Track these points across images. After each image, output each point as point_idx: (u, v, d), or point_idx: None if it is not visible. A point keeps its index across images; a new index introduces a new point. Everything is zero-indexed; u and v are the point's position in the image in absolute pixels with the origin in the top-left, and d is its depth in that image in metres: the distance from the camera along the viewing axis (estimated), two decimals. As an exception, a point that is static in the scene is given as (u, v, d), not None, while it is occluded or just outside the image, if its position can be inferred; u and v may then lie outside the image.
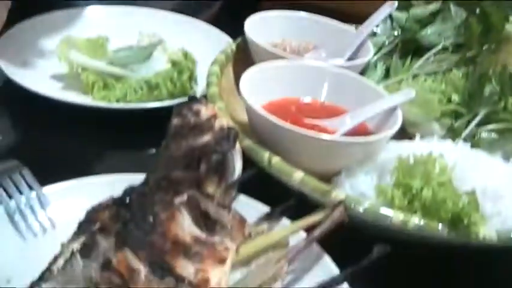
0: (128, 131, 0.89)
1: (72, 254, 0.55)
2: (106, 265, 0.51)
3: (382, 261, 0.61)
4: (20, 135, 0.90)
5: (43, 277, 0.56)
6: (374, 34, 1.06)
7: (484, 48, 1.02)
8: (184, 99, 0.79)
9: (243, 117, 0.83)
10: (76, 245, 0.57)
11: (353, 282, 0.61)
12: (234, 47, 0.98)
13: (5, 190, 0.69)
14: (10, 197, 0.68)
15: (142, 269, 0.53)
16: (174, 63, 0.95)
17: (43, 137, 0.89)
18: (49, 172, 0.72)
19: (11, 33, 1.02)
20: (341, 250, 0.63)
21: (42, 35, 1.04)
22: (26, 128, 0.92)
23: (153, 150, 0.86)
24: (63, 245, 0.60)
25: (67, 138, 0.89)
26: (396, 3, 1.04)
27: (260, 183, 0.72)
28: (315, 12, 1.07)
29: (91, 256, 0.54)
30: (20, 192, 0.69)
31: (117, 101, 0.91)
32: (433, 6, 1.06)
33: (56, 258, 0.58)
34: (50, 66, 0.98)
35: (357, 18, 1.06)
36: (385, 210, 0.67)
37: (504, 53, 1.03)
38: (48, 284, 0.53)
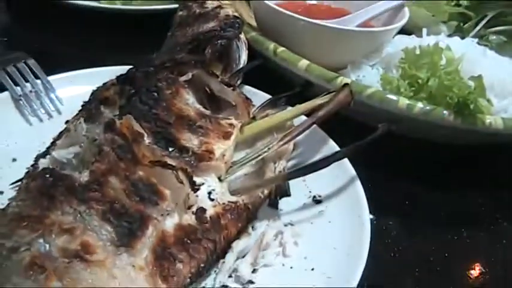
0: (131, 32, 0.88)
1: (75, 123, 0.55)
2: (109, 126, 0.51)
3: (384, 142, 0.61)
4: (27, 31, 0.90)
5: (47, 151, 0.57)
6: None
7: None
8: None
9: (250, 20, 0.82)
10: (79, 120, 0.57)
11: (354, 161, 0.61)
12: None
13: (10, 78, 0.69)
14: (16, 84, 0.69)
15: (145, 136, 0.53)
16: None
17: (49, 36, 0.90)
18: (56, 65, 0.73)
19: None
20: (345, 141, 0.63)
21: None
22: (33, 25, 0.92)
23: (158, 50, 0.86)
24: (67, 122, 0.60)
25: (72, 37, 0.89)
26: None
27: (266, 75, 0.72)
28: None
29: (95, 122, 0.54)
30: (26, 80, 0.69)
31: (123, 4, 0.90)
32: None
33: (60, 134, 0.59)
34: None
35: None
36: (390, 96, 0.67)
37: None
38: (53, 153, 0.53)
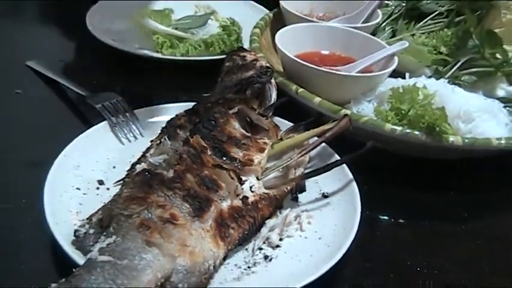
0: (189, 77, 1.15)
1: (161, 141, 0.83)
2: (186, 141, 0.78)
3: (373, 155, 0.87)
4: (112, 77, 1.17)
5: (140, 159, 0.84)
6: (387, 5, 1.32)
7: (475, 14, 1.27)
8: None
9: (278, 67, 1.09)
10: (161, 139, 0.84)
11: (351, 166, 0.88)
12: (271, 15, 1.25)
13: (107, 111, 0.97)
14: (112, 115, 0.97)
15: (208, 149, 0.80)
16: (224, 28, 1.21)
17: (129, 81, 1.16)
18: (136, 102, 1.00)
19: (96, 7, 1.31)
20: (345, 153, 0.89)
21: (120, 7, 1.31)
22: (116, 72, 1.18)
23: (208, 90, 1.12)
24: (151, 141, 0.88)
25: (145, 81, 1.16)
26: (399, -23, 1.29)
27: (290, 109, 0.99)
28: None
29: (175, 140, 0.81)
30: (118, 112, 0.97)
31: (182, 55, 1.17)
32: (432, -20, 1.31)
33: (148, 149, 0.86)
34: (128, 31, 1.24)
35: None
36: (380, 122, 0.93)
37: (491, 17, 1.27)
38: (148, 159, 0.81)
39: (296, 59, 1.01)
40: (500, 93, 1.13)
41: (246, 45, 1.18)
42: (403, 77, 1.09)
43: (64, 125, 1.03)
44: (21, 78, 1.15)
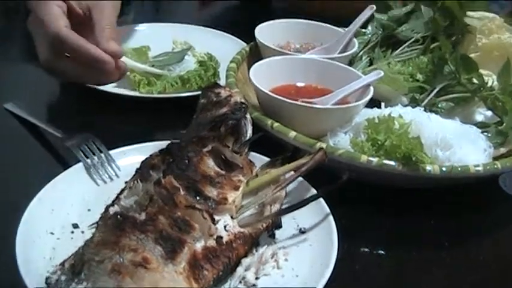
0: (167, 114, 1.15)
1: (133, 182, 0.82)
2: (158, 182, 0.77)
3: (350, 186, 0.86)
4: (89, 117, 1.16)
5: (114, 201, 0.83)
6: (364, 34, 1.32)
7: (449, 39, 1.28)
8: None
9: (254, 100, 1.09)
10: (135, 181, 0.84)
11: (327, 200, 0.87)
12: (247, 49, 1.25)
13: (83, 153, 0.97)
14: (87, 157, 0.96)
15: (181, 189, 0.79)
16: (201, 64, 1.21)
17: (106, 120, 1.16)
18: (112, 142, 1.00)
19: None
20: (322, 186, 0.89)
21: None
22: (93, 112, 1.18)
23: (186, 127, 1.12)
24: (126, 183, 0.87)
25: (122, 120, 1.16)
26: (375, 7, 1.29)
27: (265, 144, 0.98)
28: (314, 16, 1.35)
29: (147, 181, 0.81)
30: (93, 154, 0.97)
31: (159, 93, 1.17)
32: (407, 8, 1.32)
33: (122, 191, 0.85)
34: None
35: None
36: (355, 154, 0.93)
37: (466, 42, 1.28)
38: (121, 202, 0.80)
39: (270, 93, 1.01)
40: (479, 117, 1.14)
41: (223, 80, 1.18)
42: (380, 106, 1.09)
43: (40, 167, 1.02)
44: (-2, 121, 1.15)
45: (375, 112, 1.02)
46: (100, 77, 1.11)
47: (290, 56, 1.15)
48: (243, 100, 0.99)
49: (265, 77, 1.08)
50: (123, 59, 1.18)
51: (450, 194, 1.01)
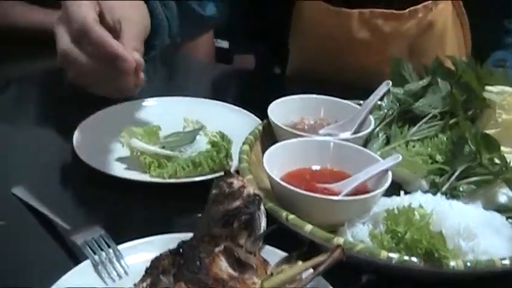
0: (179, 198, 1.12)
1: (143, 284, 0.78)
2: (168, 292, 0.74)
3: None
4: (98, 204, 1.13)
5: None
6: (379, 107, 1.29)
7: (468, 114, 1.25)
8: (221, 173, 1.04)
9: (268, 185, 1.05)
10: (144, 284, 0.80)
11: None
12: (260, 127, 1.22)
13: (90, 248, 0.93)
14: (94, 253, 0.93)
15: (193, 297, 0.75)
16: (213, 144, 1.18)
17: (115, 208, 1.12)
18: (121, 233, 0.97)
19: (83, 125, 1.29)
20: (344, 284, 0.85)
21: (107, 125, 1.29)
22: (102, 197, 1.15)
23: (199, 214, 1.08)
24: (135, 285, 0.83)
25: (133, 207, 1.13)
26: (390, 82, 1.26)
27: (280, 236, 0.94)
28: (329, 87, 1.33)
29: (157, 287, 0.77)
30: (101, 249, 0.93)
31: (170, 176, 1.14)
32: (423, 82, 1.29)
33: (130, 294, 0.82)
34: (115, 151, 1.22)
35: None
36: (375, 250, 0.89)
37: (485, 117, 1.25)
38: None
39: (284, 184, 0.98)
40: (502, 199, 1.09)
41: (236, 160, 1.14)
42: (398, 188, 1.05)
43: (46, 262, 0.99)
44: (6, 208, 1.12)
45: (394, 202, 0.99)
46: (115, 81, 1.10)
47: (305, 139, 1.12)
48: (256, 191, 0.95)
49: (279, 162, 1.05)
50: (133, 141, 1.16)
51: (474, 284, 0.97)
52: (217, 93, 1.50)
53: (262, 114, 1.27)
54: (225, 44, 2.82)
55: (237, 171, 1.07)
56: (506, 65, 1.77)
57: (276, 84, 1.72)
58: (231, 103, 1.42)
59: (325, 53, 1.66)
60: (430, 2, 1.61)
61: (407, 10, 1.60)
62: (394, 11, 1.60)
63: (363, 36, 1.62)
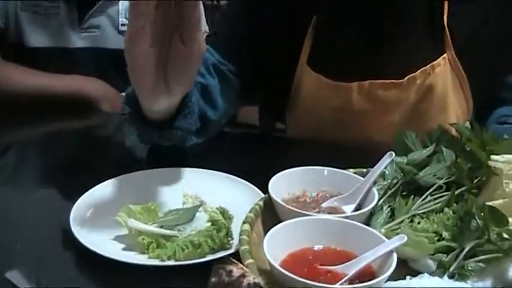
0: (178, 282, 1.08)
1: None
2: None
3: None
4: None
5: None
6: (383, 177, 1.26)
7: (474, 183, 1.21)
8: (222, 253, 1.02)
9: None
10: None
11: None
12: (261, 203, 1.19)
13: None
14: None
15: None
16: (213, 223, 1.15)
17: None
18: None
19: (81, 201, 1.26)
20: None
21: (105, 201, 1.27)
22: (99, 284, 1.11)
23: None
24: None
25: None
26: (393, 154, 1.24)
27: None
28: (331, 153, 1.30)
29: None
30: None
31: (169, 258, 1.11)
32: (427, 150, 1.26)
33: None
34: (113, 229, 1.19)
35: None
36: None
37: (492, 186, 1.21)
38: None
39: (285, 272, 0.94)
40: (512, 275, 1.05)
41: (237, 236, 1.11)
42: (404, 264, 1.02)
43: None
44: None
45: (400, 285, 0.95)
46: None
47: (307, 218, 1.08)
48: (257, 280, 0.92)
49: (280, 243, 1.02)
50: (131, 221, 1.14)
51: None
52: (218, 162, 1.47)
53: (264, 182, 1.23)
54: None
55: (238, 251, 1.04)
56: (509, 120, 1.76)
57: (280, 148, 1.69)
58: (232, 173, 1.39)
59: (324, 125, 1.66)
60: (428, 66, 1.60)
61: (405, 78, 1.59)
62: (393, 81, 1.59)
63: (363, 107, 1.62)
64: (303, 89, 1.64)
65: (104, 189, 1.31)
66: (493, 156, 1.20)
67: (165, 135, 1.42)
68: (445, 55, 1.62)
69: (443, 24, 1.60)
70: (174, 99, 1.34)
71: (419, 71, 1.60)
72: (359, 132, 1.62)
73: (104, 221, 1.21)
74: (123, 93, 1.94)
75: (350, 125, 1.63)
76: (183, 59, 1.22)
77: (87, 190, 1.30)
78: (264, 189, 1.23)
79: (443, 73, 1.61)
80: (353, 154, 1.43)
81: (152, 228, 1.15)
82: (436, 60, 1.61)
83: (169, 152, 1.47)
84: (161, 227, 1.16)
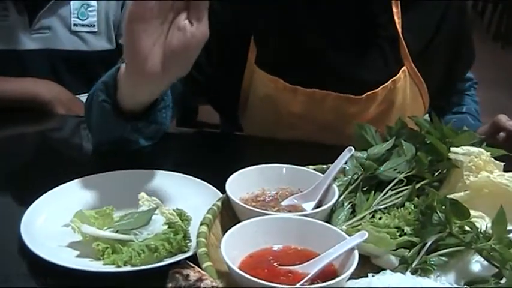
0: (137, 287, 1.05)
1: None
2: None
3: None
4: None
5: None
6: (343, 172, 1.24)
7: (435, 176, 1.20)
8: (180, 257, 0.99)
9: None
10: None
11: None
12: (219, 203, 1.16)
13: None
14: None
15: None
16: (170, 225, 1.11)
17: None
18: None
19: (32, 208, 1.21)
20: None
21: (58, 207, 1.22)
22: None
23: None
24: None
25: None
26: (353, 149, 1.22)
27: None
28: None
29: None
30: None
31: (125, 263, 1.06)
32: (387, 144, 1.24)
33: None
34: (67, 236, 1.14)
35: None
36: None
37: (453, 178, 1.20)
38: None
39: (243, 274, 0.91)
40: (475, 267, 1.04)
41: (195, 239, 1.07)
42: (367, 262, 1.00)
43: None
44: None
45: (361, 283, 0.93)
46: None
47: (266, 217, 1.06)
48: (215, 283, 0.89)
49: (239, 244, 1.00)
50: (85, 226, 1.10)
51: None
52: (175, 162, 1.43)
53: (223, 182, 1.20)
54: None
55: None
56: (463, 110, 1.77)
57: (238, 146, 1.66)
58: (189, 173, 1.35)
59: (281, 127, 1.63)
60: (389, 82, 1.58)
61: (364, 95, 1.57)
62: (351, 96, 1.57)
63: (321, 115, 1.59)
64: (259, 90, 1.60)
65: (57, 195, 1.26)
66: (453, 149, 1.19)
67: (139, 128, 1.37)
68: (404, 68, 1.60)
69: (397, 36, 1.59)
70: (164, 85, 1.28)
71: (380, 88, 1.57)
72: (315, 138, 1.59)
73: (56, 228, 1.17)
74: (78, 96, 1.91)
75: (306, 132, 1.60)
76: (187, 42, 1.15)
77: (40, 196, 1.25)
78: (223, 188, 1.20)
79: (403, 86, 1.60)
80: (312, 151, 1.40)
81: (107, 233, 1.11)
82: (396, 75, 1.59)
83: (123, 154, 1.42)
84: (116, 231, 1.12)
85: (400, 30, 1.58)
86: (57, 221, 1.18)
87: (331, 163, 1.23)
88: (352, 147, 1.22)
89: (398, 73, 1.59)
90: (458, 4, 1.70)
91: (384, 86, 1.57)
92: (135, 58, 1.16)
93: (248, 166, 1.23)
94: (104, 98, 1.32)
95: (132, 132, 1.37)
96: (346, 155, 1.21)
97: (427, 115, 1.29)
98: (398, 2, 1.57)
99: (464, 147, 1.18)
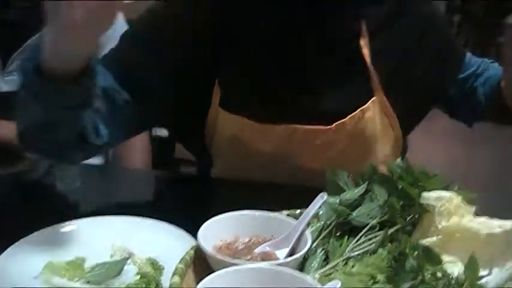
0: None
1: None
2: None
3: None
4: None
5: None
6: (317, 218, 1.23)
7: (406, 220, 1.21)
8: None
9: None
10: None
11: None
12: (192, 252, 1.15)
13: None
14: None
15: None
16: (142, 276, 1.10)
17: None
18: None
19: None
20: None
21: (27, 259, 1.19)
22: None
23: None
24: None
25: None
26: (325, 195, 1.22)
27: None
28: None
29: None
30: None
31: (96, 317, 1.05)
32: (359, 190, 1.24)
33: None
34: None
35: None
36: None
37: (425, 223, 1.21)
38: None
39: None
40: (448, 314, 1.04)
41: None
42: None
43: None
44: None
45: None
46: None
47: (238, 268, 1.05)
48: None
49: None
50: (55, 279, 1.08)
51: None
52: (147, 207, 1.42)
53: (198, 226, 1.19)
54: (164, 132, 2.68)
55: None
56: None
57: (212, 189, 1.66)
58: (162, 219, 1.34)
59: (251, 166, 1.61)
60: (358, 111, 1.57)
61: (333, 125, 1.56)
62: (321, 127, 1.56)
63: (290, 151, 1.58)
64: (226, 131, 1.59)
65: (24, 245, 1.23)
66: (424, 194, 1.19)
67: (66, 91, 1.23)
68: (374, 98, 1.59)
69: (366, 68, 1.58)
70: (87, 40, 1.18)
71: (348, 117, 1.56)
72: (287, 175, 1.58)
73: (26, 280, 1.15)
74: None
75: (277, 169, 1.60)
76: None
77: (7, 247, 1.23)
78: (196, 234, 1.19)
79: (372, 117, 1.59)
80: (286, 193, 1.40)
81: (78, 285, 1.10)
82: (365, 104, 1.58)
83: (96, 199, 1.41)
84: (88, 282, 1.11)
85: (369, 61, 1.57)
86: (26, 273, 1.16)
87: (306, 207, 1.23)
88: (324, 193, 1.22)
89: (367, 103, 1.58)
90: (431, 12, 1.71)
91: (351, 115, 1.56)
92: (55, 7, 1.11)
93: (223, 210, 1.22)
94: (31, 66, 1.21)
95: (60, 98, 1.25)
96: (318, 201, 1.21)
97: (400, 159, 1.29)
98: (367, 33, 1.56)
99: (436, 192, 1.19)
